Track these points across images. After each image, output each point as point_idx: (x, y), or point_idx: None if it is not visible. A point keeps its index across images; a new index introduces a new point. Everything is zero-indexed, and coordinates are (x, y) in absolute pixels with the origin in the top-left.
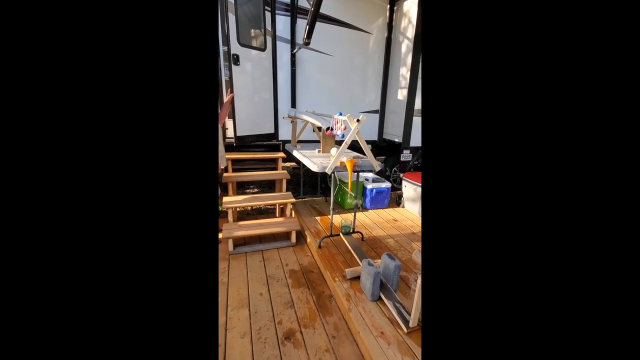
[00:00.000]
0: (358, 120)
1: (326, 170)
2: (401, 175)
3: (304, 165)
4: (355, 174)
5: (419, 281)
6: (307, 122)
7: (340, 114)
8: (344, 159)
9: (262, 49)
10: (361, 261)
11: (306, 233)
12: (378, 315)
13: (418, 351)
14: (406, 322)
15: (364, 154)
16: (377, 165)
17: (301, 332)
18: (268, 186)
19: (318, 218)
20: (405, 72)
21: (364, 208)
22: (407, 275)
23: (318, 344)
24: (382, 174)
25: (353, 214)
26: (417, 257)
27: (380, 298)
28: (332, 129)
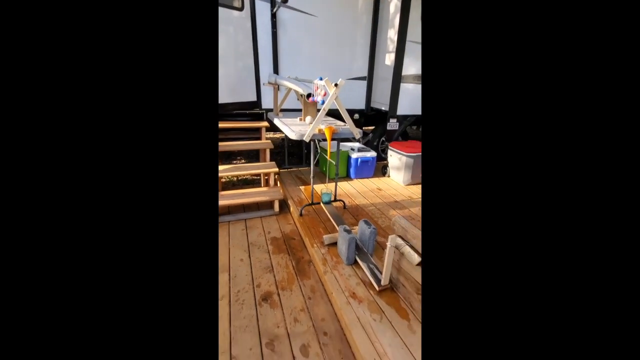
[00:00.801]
0: (336, 85)
1: (304, 138)
2: (387, 144)
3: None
4: (336, 141)
5: (389, 244)
6: (290, 89)
7: (321, 79)
8: (323, 127)
9: (239, 8)
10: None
11: (289, 202)
12: (352, 277)
13: (386, 309)
14: (378, 281)
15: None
16: (358, 133)
17: (278, 294)
18: (255, 157)
19: (302, 187)
20: (393, 34)
21: (349, 177)
22: (385, 240)
23: (294, 304)
24: (370, 144)
25: (334, 183)
26: (397, 221)
27: (356, 262)
28: (312, 95)
